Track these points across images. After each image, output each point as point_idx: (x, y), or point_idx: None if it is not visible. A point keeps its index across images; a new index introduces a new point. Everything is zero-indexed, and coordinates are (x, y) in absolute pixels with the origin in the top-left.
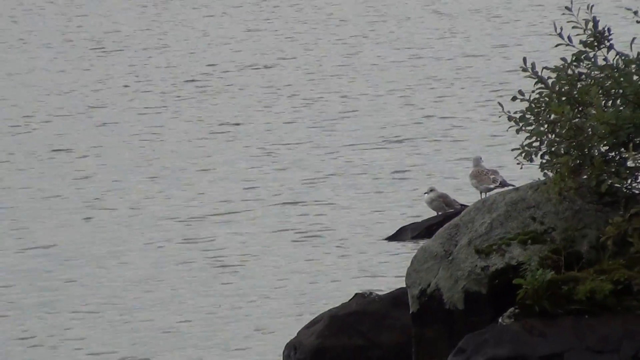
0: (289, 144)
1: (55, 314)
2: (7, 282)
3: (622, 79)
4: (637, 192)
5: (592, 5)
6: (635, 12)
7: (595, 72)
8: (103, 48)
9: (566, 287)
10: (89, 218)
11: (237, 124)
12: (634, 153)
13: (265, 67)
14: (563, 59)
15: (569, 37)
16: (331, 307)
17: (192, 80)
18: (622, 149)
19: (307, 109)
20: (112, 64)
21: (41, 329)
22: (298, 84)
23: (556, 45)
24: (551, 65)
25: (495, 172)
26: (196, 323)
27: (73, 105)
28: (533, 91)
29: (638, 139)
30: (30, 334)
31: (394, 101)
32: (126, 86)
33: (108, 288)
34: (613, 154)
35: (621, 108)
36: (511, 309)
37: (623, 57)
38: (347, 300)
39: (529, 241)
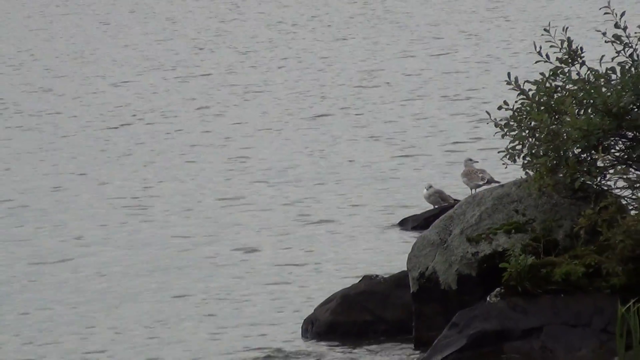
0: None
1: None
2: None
3: (592, 91)
4: (605, 188)
5: (567, 27)
6: (604, 34)
7: (570, 85)
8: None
9: (545, 270)
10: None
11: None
12: (602, 155)
13: None
14: (542, 73)
15: (547, 55)
16: (343, 287)
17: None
18: (593, 152)
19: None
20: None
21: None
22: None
23: (536, 62)
24: (532, 79)
25: (483, 171)
26: (223, 301)
27: None
28: (516, 101)
29: (606, 143)
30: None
31: (404, 111)
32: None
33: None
34: (585, 155)
35: (592, 116)
36: (497, 289)
37: (593, 72)
38: (357, 282)
39: (513, 231)
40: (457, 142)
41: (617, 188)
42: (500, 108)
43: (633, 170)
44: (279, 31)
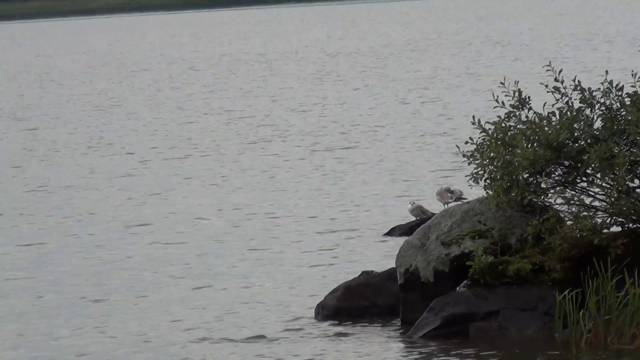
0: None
1: None
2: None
3: (537, 130)
4: (547, 204)
5: (518, 81)
6: (546, 86)
7: (520, 125)
8: None
9: (501, 267)
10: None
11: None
12: (545, 179)
13: None
14: (499, 116)
15: (502, 102)
16: (346, 280)
17: None
18: (538, 176)
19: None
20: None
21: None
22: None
23: (494, 107)
24: (491, 121)
25: (453, 191)
26: (251, 288)
27: None
28: (479, 137)
29: (548, 169)
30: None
31: (400, 147)
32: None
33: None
34: (531, 179)
35: (537, 149)
36: (465, 282)
37: (538, 115)
38: (357, 276)
39: (476, 237)
40: (436, 170)
41: (557, 204)
42: (467, 143)
43: (568, 191)
44: (304, 82)
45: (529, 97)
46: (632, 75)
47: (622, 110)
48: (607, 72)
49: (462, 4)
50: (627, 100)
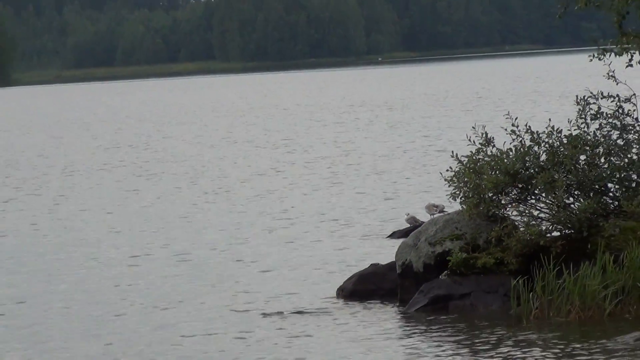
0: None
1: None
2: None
3: (499, 162)
4: (506, 215)
5: (485, 125)
6: (505, 129)
7: (487, 158)
8: None
9: (472, 261)
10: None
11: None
12: (504, 197)
13: None
14: (470, 151)
15: (473, 141)
16: (359, 270)
17: None
18: (499, 195)
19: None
20: None
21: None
22: None
23: (467, 145)
24: (465, 155)
25: (438, 206)
26: (287, 277)
27: None
28: (456, 167)
29: (507, 190)
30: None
31: (400, 175)
32: None
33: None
34: (495, 197)
35: (498, 175)
36: (446, 271)
37: (499, 151)
38: (367, 267)
39: (454, 239)
40: (425, 190)
41: (513, 215)
42: (447, 170)
43: (521, 206)
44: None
45: (492, 138)
46: (568, 122)
47: (560, 147)
48: (550, 119)
49: (449, 68)
50: (565, 140)
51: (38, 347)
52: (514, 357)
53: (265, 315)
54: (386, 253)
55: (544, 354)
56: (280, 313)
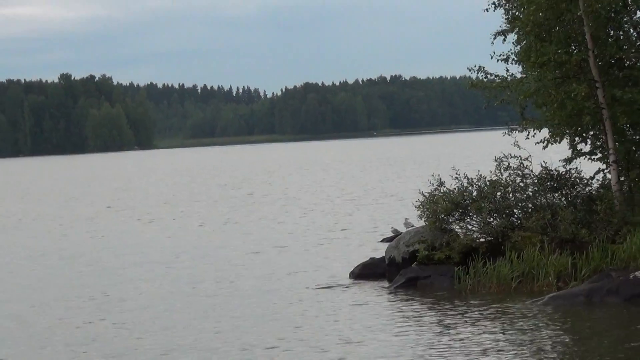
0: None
1: None
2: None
3: (448, 196)
4: (452, 229)
5: (439, 174)
6: (452, 176)
7: (440, 193)
8: None
9: (432, 256)
10: None
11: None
12: (452, 217)
13: None
14: (430, 190)
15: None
16: (362, 261)
17: None
18: (448, 216)
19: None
20: None
21: None
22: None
23: (429, 186)
24: (427, 191)
25: (411, 222)
26: (313, 266)
27: None
28: (422, 198)
29: (453, 213)
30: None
31: (395, 203)
32: None
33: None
34: (446, 218)
35: (447, 204)
36: (415, 263)
37: (448, 189)
38: (367, 259)
39: (421, 242)
40: (403, 211)
41: (456, 229)
42: (417, 200)
43: (462, 224)
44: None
45: (444, 181)
46: (490, 172)
47: (485, 187)
48: (479, 170)
49: (419, 139)
50: (488, 183)
51: None
52: (456, 312)
53: (307, 288)
54: (379, 251)
55: (474, 310)
56: (318, 287)
